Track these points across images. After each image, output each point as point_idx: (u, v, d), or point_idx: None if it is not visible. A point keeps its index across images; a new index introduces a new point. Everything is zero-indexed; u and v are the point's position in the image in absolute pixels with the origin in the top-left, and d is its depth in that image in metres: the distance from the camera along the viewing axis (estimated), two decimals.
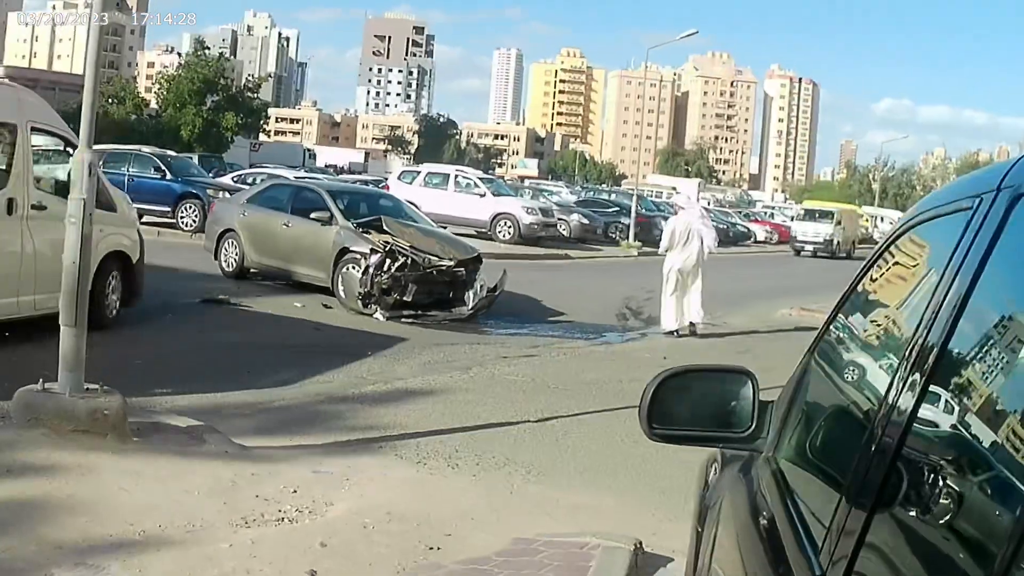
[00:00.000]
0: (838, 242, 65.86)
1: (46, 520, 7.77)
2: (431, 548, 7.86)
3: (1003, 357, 2.07)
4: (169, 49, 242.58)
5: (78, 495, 8.33)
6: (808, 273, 45.79)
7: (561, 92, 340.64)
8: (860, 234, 75.48)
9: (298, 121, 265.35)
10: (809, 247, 65.15)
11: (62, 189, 13.37)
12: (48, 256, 12.81)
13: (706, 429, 3.79)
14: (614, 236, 55.06)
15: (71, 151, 14.39)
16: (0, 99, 14.29)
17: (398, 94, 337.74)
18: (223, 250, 24.80)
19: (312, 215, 22.59)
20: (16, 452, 9.19)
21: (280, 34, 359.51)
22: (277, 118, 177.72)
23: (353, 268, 21.09)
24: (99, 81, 10.52)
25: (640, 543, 8.17)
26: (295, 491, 8.85)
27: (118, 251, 16.63)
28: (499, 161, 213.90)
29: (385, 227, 21.64)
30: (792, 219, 77.86)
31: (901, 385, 2.41)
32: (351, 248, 21.45)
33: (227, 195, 30.95)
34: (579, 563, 7.63)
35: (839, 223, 67.22)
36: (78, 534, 7.54)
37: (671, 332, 21.81)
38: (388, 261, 20.64)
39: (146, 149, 43.06)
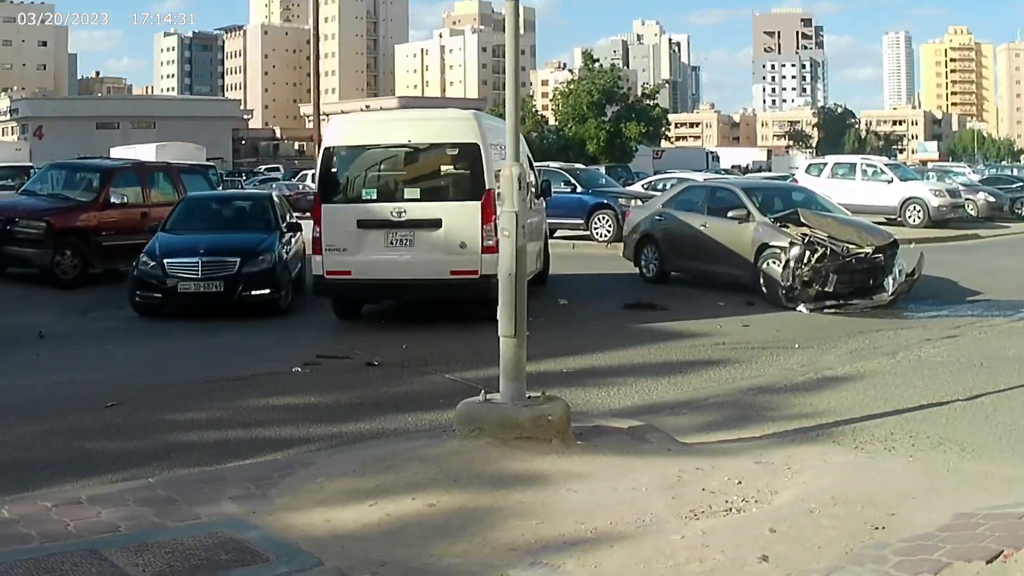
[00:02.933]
0: None
1: (497, 525, 8.11)
2: (876, 528, 7.84)
3: None
4: (561, 66, 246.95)
5: (527, 499, 8.64)
6: None
7: (952, 72, 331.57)
8: None
9: (697, 125, 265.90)
10: None
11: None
12: None
13: None
14: (1020, 212, 52.88)
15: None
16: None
17: (793, 88, 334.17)
18: (642, 256, 25.26)
19: (729, 214, 22.56)
20: (463, 462, 9.60)
21: (670, 40, 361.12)
22: (676, 124, 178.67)
23: (774, 263, 21.03)
24: (519, 99, 10.82)
25: None
26: (740, 482, 8.96)
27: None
28: (900, 147, 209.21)
29: (802, 219, 21.48)
30: None
31: None
32: (770, 243, 21.36)
33: (640, 203, 31.34)
34: (1021, 532, 7.52)
35: None
36: (530, 535, 7.83)
37: None
38: (807, 253, 20.48)
39: (554, 164, 44.09)
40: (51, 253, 24.60)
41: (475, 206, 18.30)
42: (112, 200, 26.15)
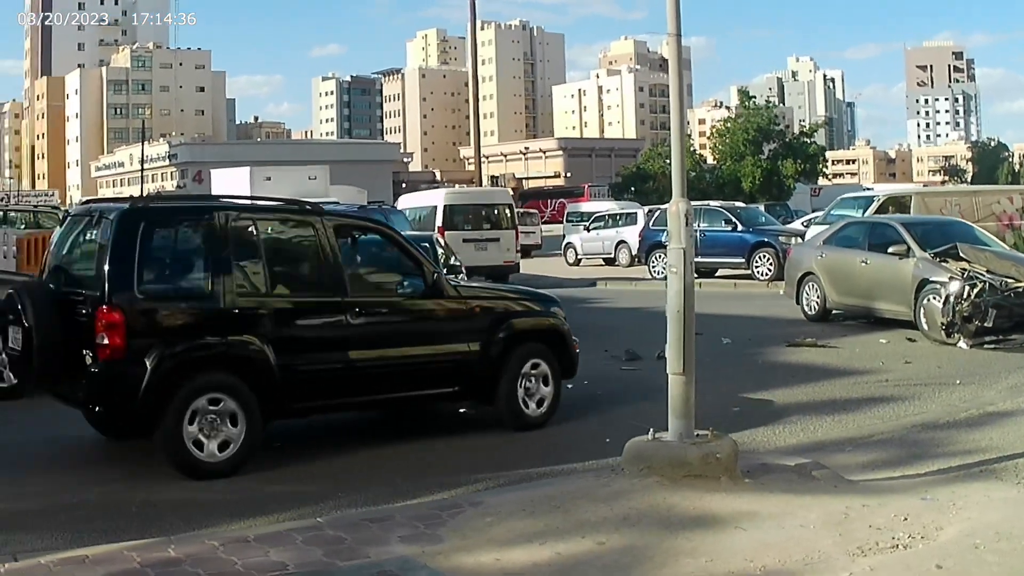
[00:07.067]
0: None
1: (667, 563, 8.15)
2: None
3: None
4: (718, 104, 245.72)
5: (696, 537, 8.68)
6: None
7: None
8: None
9: (853, 162, 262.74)
10: None
11: None
12: None
13: None
14: None
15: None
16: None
17: (947, 123, 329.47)
18: (804, 294, 25.15)
19: (889, 250, 22.44)
20: (632, 501, 9.64)
21: (825, 76, 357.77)
22: (832, 161, 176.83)
23: (934, 299, 20.81)
24: (684, 136, 10.99)
25: None
26: (905, 519, 8.96)
27: None
28: None
29: (961, 254, 21.27)
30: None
31: None
32: (930, 279, 21.14)
33: (800, 240, 31.12)
34: None
35: None
36: (700, 573, 7.91)
37: None
38: (967, 288, 20.25)
39: (714, 203, 43.98)
40: None
41: (512, 232, 39.49)
42: None
